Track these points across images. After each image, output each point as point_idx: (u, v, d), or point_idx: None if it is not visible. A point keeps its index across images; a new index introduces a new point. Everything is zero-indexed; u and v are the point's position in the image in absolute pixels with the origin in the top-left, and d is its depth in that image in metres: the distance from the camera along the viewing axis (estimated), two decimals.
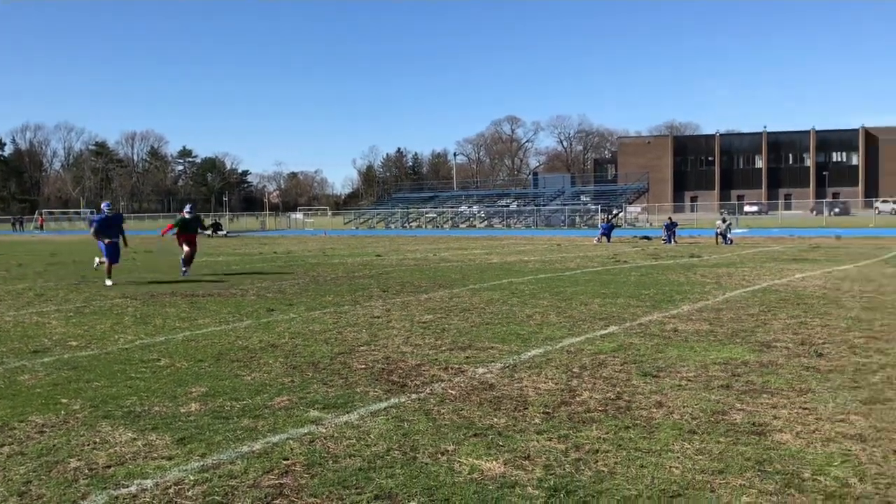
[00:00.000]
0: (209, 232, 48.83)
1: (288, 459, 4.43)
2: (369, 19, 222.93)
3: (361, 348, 7.92)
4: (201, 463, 4.38)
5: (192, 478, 4.16)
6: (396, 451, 4.54)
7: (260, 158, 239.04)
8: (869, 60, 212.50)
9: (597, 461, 4.33)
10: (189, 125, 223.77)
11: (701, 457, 4.37)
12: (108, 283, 15.30)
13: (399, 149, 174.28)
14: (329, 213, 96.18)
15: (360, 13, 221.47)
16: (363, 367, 6.99)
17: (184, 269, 17.42)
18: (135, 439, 4.85)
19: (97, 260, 16.38)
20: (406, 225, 71.46)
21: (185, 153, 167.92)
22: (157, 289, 14.32)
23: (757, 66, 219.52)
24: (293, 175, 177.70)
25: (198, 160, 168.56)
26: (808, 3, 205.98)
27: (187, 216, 17.95)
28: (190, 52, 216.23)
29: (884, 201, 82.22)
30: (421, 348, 7.86)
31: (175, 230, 17.85)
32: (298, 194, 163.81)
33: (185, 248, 17.62)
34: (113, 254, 15.59)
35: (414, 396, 5.85)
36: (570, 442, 4.69)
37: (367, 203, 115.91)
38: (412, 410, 5.45)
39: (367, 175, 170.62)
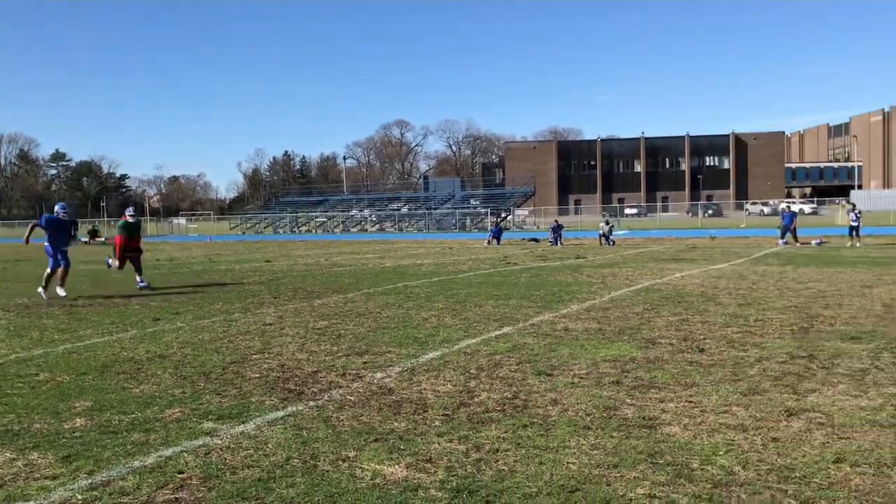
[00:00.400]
0: (86, 238, 46.57)
1: (183, 473, 4.29)
2: (254, 18, 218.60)
3: (255, 356, 7.74)
4: (89, 481, 4.18)
5: (79, 497, 3.96)
6: (296, 460, 4.47)
7: (139, 162, 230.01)
8: (739, 69, 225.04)
9: (497, 460, 4.40)
10: (63, 127, 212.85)
11: (596, 451, 4.51)
12: (62, 292, 13.63)
13: (286, 152, 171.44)
14: (214, 217, 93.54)
15: (243, 12, 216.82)
16: (258, 375, 6.84)
17: (141, 280, 15.16)
18: (14, 459, 4.57)
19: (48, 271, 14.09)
20: (295, 229, 70.37)
21: (58, 156, 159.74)
22: (35, 299, 13.53)
23: (635, 73, 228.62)
24: (175, 179, 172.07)
25: (72, 164, 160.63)
26: (680, 12, 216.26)
27: (131, 220, 15.86)
28: (63, 52, 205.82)
29: (753, 203, 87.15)
30: (317, 355, 7.76)
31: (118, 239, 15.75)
32: (180, 199, 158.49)
33: (125, 256, 15.46)
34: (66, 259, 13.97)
35: (312, 404, 5.77)
36: (470, 442, 4.74)
37: (253, 207, 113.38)
38: (311, 418, 5.37)
39: (254, 179, 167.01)
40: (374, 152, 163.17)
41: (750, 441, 4.66)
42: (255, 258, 26.97)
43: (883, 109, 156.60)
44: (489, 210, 62.24)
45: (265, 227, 72.93)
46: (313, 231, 68.72)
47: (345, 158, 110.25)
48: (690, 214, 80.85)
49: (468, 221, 63.10)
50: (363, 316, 10.58)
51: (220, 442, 4.84)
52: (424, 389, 6.15)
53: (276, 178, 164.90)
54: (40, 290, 13.75)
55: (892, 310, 10.01)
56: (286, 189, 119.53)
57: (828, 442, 4.60)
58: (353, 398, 5.92)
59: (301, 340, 8.65)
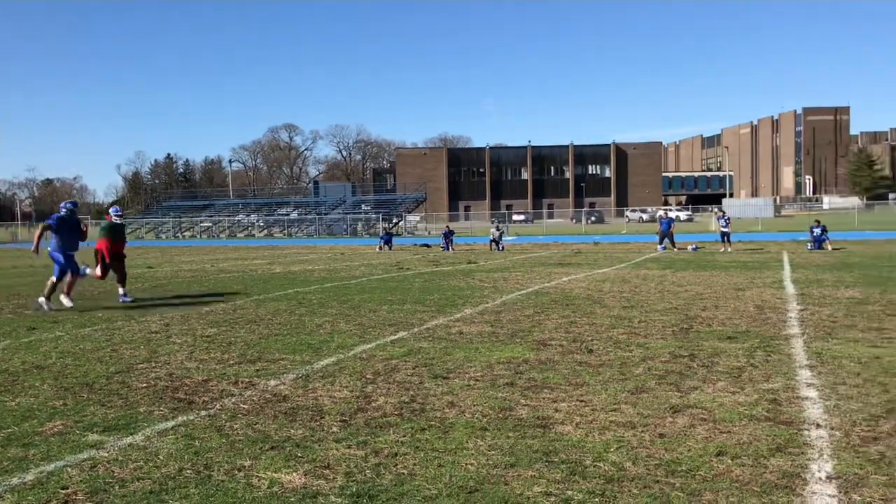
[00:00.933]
0: None
1: (67, 488, 4.08)
2: (133, 14, 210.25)
3: (141, 366, 7.45)
4: None
5: None
6: (189, 471, 4.33)
7: (8, 163, 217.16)
8: (619, 82, 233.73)
9: (396, 464, 4.41)
10: None
11: (493, 452, 4.59)
12: (68, 302, 12.30)
13: (169, 155, 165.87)
14: (91, 222, 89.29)
15: (121, 7, 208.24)
16: (145, 385, 6.59)
17: (124, 294, 13.42)
18: None
19: (88, 271, 12.76)
20: (179, 235, 68.07)
21: None
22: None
23: (521, 84, 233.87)
24: (48, 182, 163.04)
25: None
26: (562, 27, 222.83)
27: (117, 220, 13.92)
28: None
29: (633, 210, 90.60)
30: (207, 363, 7.54)
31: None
32: (55, 203, 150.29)
33: (107, 263, 13.54)
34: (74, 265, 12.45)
35: (203, 413, 5.61)
36: (369, 448, 4.72)
37: (134, 212, 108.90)
38: (203, 427, 5.22)
39: (134, 182, 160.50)
40: (262, 156, 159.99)
41: (638, 437, 4.85)
42: (136, 264, 25.90)
43: (752, 122, 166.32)
44: (380, 215, 62.12)
45: (147, 233, 70.16)
46: (198, 236, 66.65)
47: (231, 162, 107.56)
48: (575, 221, 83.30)
49: (359, 227, 62.76)
50: (254, 323, 10.36)
51: (106, 455, 4.63)
52: (320, 396, 6.08)
53: (157, 181, 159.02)
54: (41, 300, 12.20)
55: (763, 311, 10.64)
56: (169, 193, 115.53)
57: (710, 436, 4.84)
58: (246, 406, 5.79)
59: (189, 349, 8.38)
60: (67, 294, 12.42)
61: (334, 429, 5.16)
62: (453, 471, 4.27)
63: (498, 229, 34.54)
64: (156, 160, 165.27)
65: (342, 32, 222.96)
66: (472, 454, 4.56)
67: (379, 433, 5.03)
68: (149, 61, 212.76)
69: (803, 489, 3.91)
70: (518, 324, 9.76)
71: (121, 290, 13.44)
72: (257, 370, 7.15)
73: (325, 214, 67.18)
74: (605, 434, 4.93)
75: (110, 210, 14.30)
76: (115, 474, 4.29)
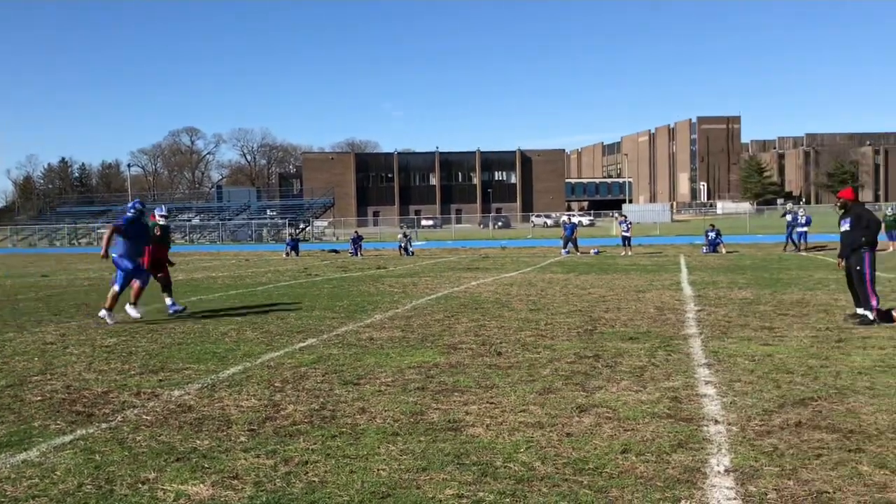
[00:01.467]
0: None
1: None
2: (19, 8, 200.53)
3: (35, 378, 7.10)
4: None
5: None
6: (89, 486, 4.16)
7: None
8: (524, 90, 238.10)
9: (307, 472, 4.35)
10: None
11: (405, 457, 4.59)
12: (135, 313, 11.05)
13: (63, 159, 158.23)
14: None
15: (13, 6, 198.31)
16: (39, 398, 6.28)
17: (172, 303, 11.90)
18: None
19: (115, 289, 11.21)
20: (75, 241, 65.28)
21: None
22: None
23: (429, 90, 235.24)
24: None
25: None
26: (464, 33, 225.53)
27: (162, 221, 12.28)
28: None
29: (538, 215, 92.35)
30: (107, 374, 7.26)
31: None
32: None
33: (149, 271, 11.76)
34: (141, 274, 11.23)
35: (104, 426, 5.39)
36: (278, 456, 4.65)
37: (25, 218, 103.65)
38: (103, 441, 5.02)
39: (25, 187, 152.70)
40: (162, 160, 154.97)
41: (547, 437, 4.94)
42: (29, 273, 24.71)
43: (649, 130, 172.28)
44: (287, 221, 61.23)
45: (40, 240, 67.01)
46: (94, 243, 64.02)
47: (129, 166, 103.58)
48: (482, 226, 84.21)
49: (265, 232, 61.69)
50: (156, 332, 10.03)
51: None
52: (227, 405, 5.95)
53: (51, 186, 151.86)
54: (103, 313, 10.94)
55: (663, 312, 11.03)
56: (63, 198, 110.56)
57: (615, 434, 4.98)
58: (149, 418, 5.60)
59: (88, 359, 8.05)
60: (134, 304, 11.17)
61: (242, 438, 5.05)
62: (365, 477, 4.25)
63: (406, 235, 34.61)
64: (49, 164, 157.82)
65: (244, 33, 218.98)
66: (384, 459, 4.55)
67: (288, 441, 4.96)
68: (41, 60, 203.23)
69: (703, 483, 4.07)
70: (428, 328, 9.80)
71: (168, 301, 11.90)
72: (160, 380, 6.93)
73: (229, 220, 65.73)
74: (514, 435, 5.01)
75: (154, 210, 12.57)
76: (8, 493, 4.08)
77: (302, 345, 8.74)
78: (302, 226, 62.23)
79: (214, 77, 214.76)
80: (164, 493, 4.05)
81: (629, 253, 29.38)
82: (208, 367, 7.49)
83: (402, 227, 39.72)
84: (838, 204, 10.27)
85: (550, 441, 4.86)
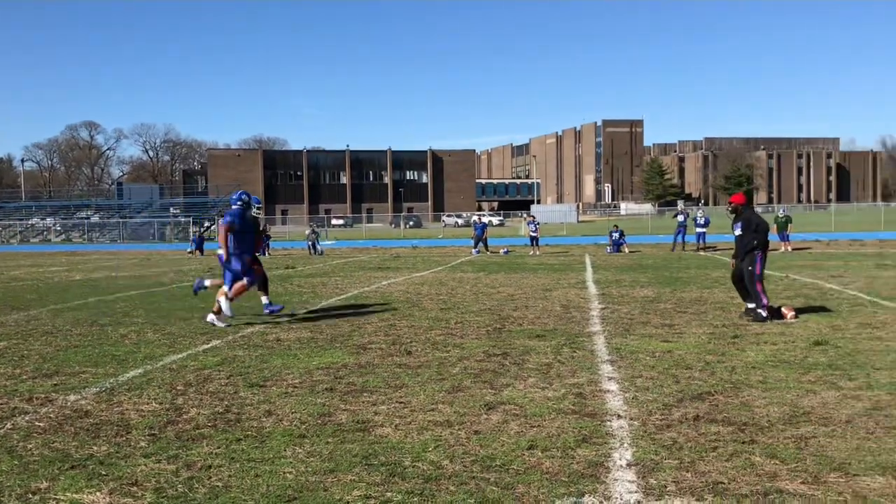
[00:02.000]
0: None
1: None
2: None
3: None
4: None
5: None
6: None
7: None
8: (434, 90, 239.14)
9: (210, 477, 4.24)
10: None
11: (312, 459, 4.53)
12: (221, 320, 10.06)
13: None
14: None
15: None
16: None
17: (269, 303, 10.86)
18: None
19: (207, 283, 10.72)
20: None
21: None
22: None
23: (340, 88, 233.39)
24: None
25: None
26: (376, 31, 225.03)
27: (257, 213, 10.71)
28: None
29: (449, 215, 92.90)
30: None
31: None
32: None
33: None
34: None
35: None
36: (180, 461, 4.51)
37: None
38: None
39: None
40: (59, 155, 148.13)
41: (455, 435, 4.97)
42: None
43: (557, 133, 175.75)
44: (191, 219, 59.57)
45: None
46: None
47: (23, 161, 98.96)
48: (394, 225, 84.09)
49: (168, 231, 59.85)
50: (51, 334, 9.59)
51: None
52: (127, 410, 5.74)
53: None
54: (212, 317, 10.08)
55: (569, 310, 11.26)
56: None
57: (522, 431, 5.05)
58: (42, 424, 5.35)
59: None
60: (231, 300, 10.26)
61: (142, 444, 4.88)
62: (271, 480, 4.17)
63: (314, 231, 34.28)
64: None
65: (146, 24, 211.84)
66: (291, 462, 4.48)
67: (191, 446, 4.82)
68: None
69: (606, 477, 4.17)
70: (337, 328, 9.71)
71: (264, 300, 10.89)
72: (55, 385, 6.63)
73: (131, 218, 63.51)
74: (423, 434, 5.01)
75: (253, 198, 10.90)
76: None
77: (206, 346, 8.51)
78: (207, 224, 60.66)
79: (115, 69, 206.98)
80: (57, 503, 3.87)
81: (537, 252, 29.88)
82: (107, 371, 7.21)
83: (311, 225, 39.08)
84: (729, 209, 10.72)
85: (459, 439, 4.89)
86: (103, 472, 4.32)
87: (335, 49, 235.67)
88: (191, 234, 51.62)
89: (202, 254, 34.49)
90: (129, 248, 46.59)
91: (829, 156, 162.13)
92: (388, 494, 3.94)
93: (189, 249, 35.68)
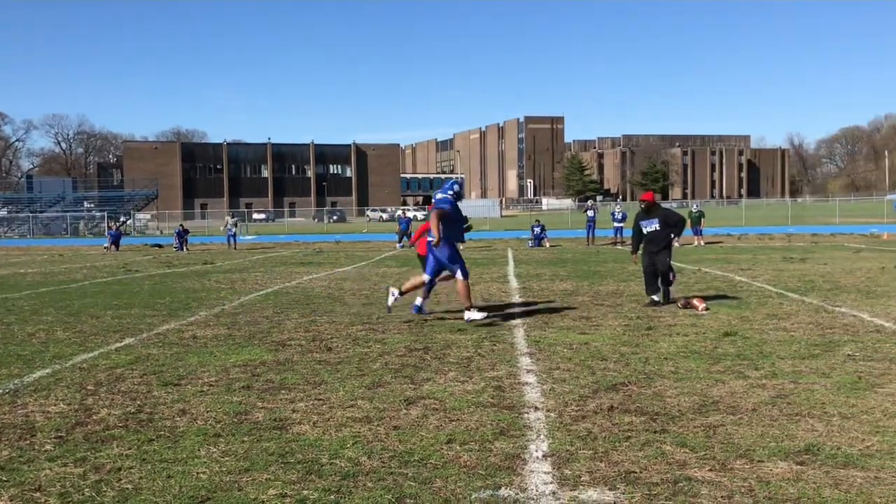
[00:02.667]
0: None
1: None
2: None
3: None
4: None
5: None
6: None
7: None
8: (358, 84, 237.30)
9: (120, 479, 4.11)
10: None
11: (227, 458, 4.44)
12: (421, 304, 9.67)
13: None
14: None
15: None
16: None
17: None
18: None
19: (395, 293, 9.79)
20: None
21: None
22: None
23: (261, 81, 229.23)
24: None
25: None
26: (298, 24, 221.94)
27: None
28: None
29: (373, 210, 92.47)
30: None
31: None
32: None
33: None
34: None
35: None
36: (88, 464, 4.36)
37: None
38: None
39: None
40: None
41: (374, 431, 4.95)
42: None
43: (480, 128, 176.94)
44: (106, 213, 57.63)
45: None
46: None
47: None
48: (317, 220, 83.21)
49: (82, 226, 57.76)
50: None
51: None
52: (32, 412, 5.51)
53: None
54: (419, 301, 9.69)
55: (490, 303, 11.35)
56: None
57: (441, 425, 5.07)
58: None
59: None
60: (426, 297, 9.93)
61: (48, 447, 4.69)
62: (183, 481, 4.08)
63: (236, 225, 33.69)
64: None
65: (60, 11, 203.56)
66: (205, 462, 4.38)
67: (100, 448, 4.67)
68: None
69: (523, 469, 4.23)
70: (256, 325, 9.55)
71: (419, 301, 9.88)
72: None
73: (41, 212, 61.04)
74: (341, 431, 4.98)
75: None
76: None
77: (119, 345, 8.26)
78: (123, 219, 58.81)
79: (24, 57, 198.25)
80: None
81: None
82: (11, 372, 6.92)
83: (231, 216, 38.05)
84: (643, 206, 11.14)
85: (378, 435, 4.87)
86: (3, 479, 4.14)
87: (257, 40, 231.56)
88: (106, 229, 49.95)
89: (118, 249, 33.42)
90: (41, 243, 44.75)
91: (740, 153, 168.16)
92: (305, 493, 3.90)
93: (105, 245, 34.51)
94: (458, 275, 9.42)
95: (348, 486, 4.00)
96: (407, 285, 9.95)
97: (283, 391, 6.07)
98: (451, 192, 9.70)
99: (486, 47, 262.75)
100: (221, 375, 6.66)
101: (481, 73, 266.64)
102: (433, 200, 9.68)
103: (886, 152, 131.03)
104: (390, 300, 9.76)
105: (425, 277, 9.70)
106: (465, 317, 9.35)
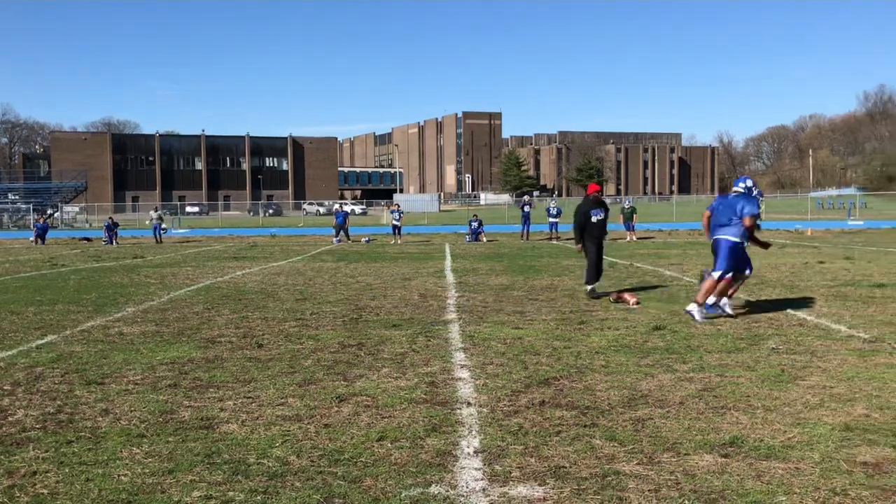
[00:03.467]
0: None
1: None
2: None
3: None
4: None
5: None
6: None
7: None
8: (294, 76, 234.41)
9: (35, 484, 3.94)
10: None
11: (150, 459, 4.31)
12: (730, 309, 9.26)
13: None
14: None
15: None
16: None
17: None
18: None
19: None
20: None
21: None
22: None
23: (195, 72, 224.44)
24: None
25: None
26: (233, 15, 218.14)
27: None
28: None
29: (310, 203, 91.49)
30: None
31: None
32: None
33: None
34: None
35: None
36: (1, 469, 4.17)
37: None
38: None
39: None
40: None
41: (304, 430, 4.87)
42: None
43: (419, 123, 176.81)
44: (32, 206, 55.63)
45: None
46: None
47: None
48: (252, 213, 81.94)
49: (6, 218, 55.65)
50: None
51: None
52: None
53: None
54: (693, 307, 8.97)
55: (426, 299, 11.34)
56: None
57: (373, 422, 5.02)
58: None
59: None
60: (730, 297, 9.50)
61: None
62: (103, 484, 3.93)
63: (161, 218, 32.93)
64: None
65: None
66: (127, 464, 4.24)
67: (15, 451, 4.47)
68: None
69: (454, 465, 4.21)
70: (186, 321, 9.32)
71: (719, 300, 9.34)
72: None
73: None
74: (270, 429, 4.88)
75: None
76: None
77: (40, 342, 7.95)
78: (50, 211, 56.87)
79: None
80: None
81: (399, 242, 29.96)
82: None
83: (155, 209, 37.00)
84: (591, 197, 11.42)
85: (308, 433, 4.80)
86: None
87: (192, 30, 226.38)
88: (32, 221, 48.24)
89: (43, 243, 32.32)
90: None
91: (672, 150, 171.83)
92: (231, 494, 3.81)
93: (31, 238, 33.33)
94: (717, 273, 9.18)
95: (275, 486, 3.92)
96: (730, 291, 9.47)
97: (211, 389, 5.93)
98: (750, 182, 9.60)
99: (425, 42, 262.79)
100: (147, 373, 6.48)
101: (420, 67, 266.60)
102: (737, 199, 9.32)
103: (811, 151, 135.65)
104: (700, 316, 8.93)
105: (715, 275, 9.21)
106: (687, 308, 9.18)
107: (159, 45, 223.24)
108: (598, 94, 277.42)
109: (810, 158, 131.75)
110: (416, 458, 4.33)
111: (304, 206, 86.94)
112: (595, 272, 11.19)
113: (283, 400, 5.59)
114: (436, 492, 3.84)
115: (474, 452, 4.40)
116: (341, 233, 30.50)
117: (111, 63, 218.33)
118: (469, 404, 5.43)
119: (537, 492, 3.83)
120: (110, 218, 34.99)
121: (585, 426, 4.90)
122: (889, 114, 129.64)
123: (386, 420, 5.06)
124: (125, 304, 10.95)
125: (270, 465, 4.24)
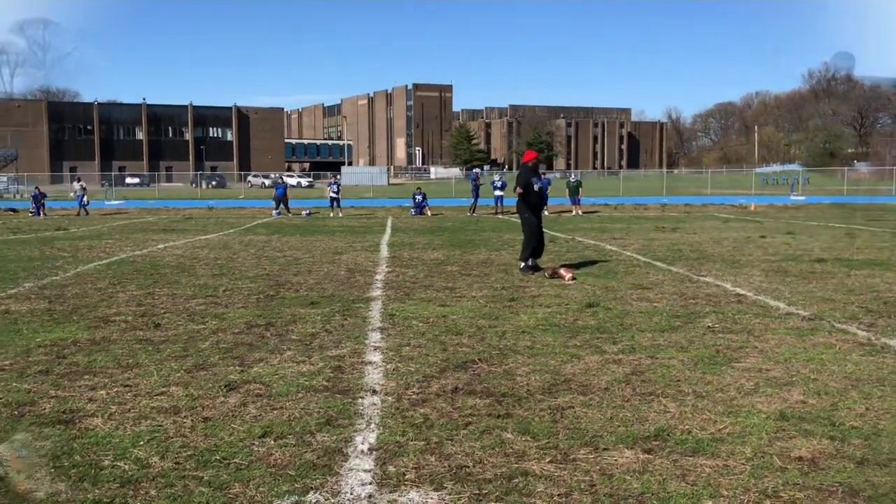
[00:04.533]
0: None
1: None
2: None
3: None
4: None
5: None
6: None
7: None
8: (239, 46, 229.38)
9: None
10: None
11: None
12: None
13: None
14: None
15: None
16: None
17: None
18: None
19: None
20: None
21: None
22: None
23: (137, 40, 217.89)
24: None
25: None
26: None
27: None
28: None
29: (255, 175, 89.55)
30: None
31: None
32: None
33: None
34: None
35: None
36: None
37: None
38: None
39: None
40: None
41: (179, 424, 4.27)
42: None
43: (368, 94, 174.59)
44: None
45: None
46: None
47: None
48: (194, 185, 79.83)
49: None
50: None
51: None
52: None
53: None
54: None
55: (354, 274, 10.73)
56: None
57: (260, 415, 4.45)
58: None
59: None
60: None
61: None
62: None
63: (83, 188, 31.58)
64: None
65: None
66: None
67: None
68: None
69: (341, 466, 3.67)
70: (84, 298, 8.57)
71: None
72: None
73: None
74: (140, 424, 4.27)
75: None
76: None
77: None
78: None
79: None
80: None
81: (340, 214, 29.21)
82: None
83: (78, 179, 35.35)
84: (531, 164, 10.86)
85: (181, 429, 4.20)
86: None
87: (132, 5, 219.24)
88: None
89: None
90: None
91: (621, 125, 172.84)
92: None
93: None
94: None
95: (125, 495, 3.34)
96: None
97: (86, 376, 5.26)
98: None
99: (376, 12, 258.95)
100: (20, 358, 5.78)
101: (371, 38, 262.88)
102: None
103: (756, 127, 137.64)
104: None
105: None
106: None
107: (99, 10, 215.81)
108: (549, 68, 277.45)
109: (755, 134, 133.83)
110: (299, 457, 3.78)
111: (250, 178, 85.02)
112: (536, 246, 10.62)
113: (164, 389, 4.96)
114: (312, 500, 3.30)
115: (368, 450, 3.87)
116: (281, 205, 29.58)
117: (48, 30, 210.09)
118: (374, 392, 4.88)
119: (431, 498, 3.33)
120: (37, 188, 33.36)
121: (499, 416, 4.40)
122: (832, 91, 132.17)
123: (275, 412, 4.49)
124: (24, 280, 10.10)
125: (127, 468, 3.64)
